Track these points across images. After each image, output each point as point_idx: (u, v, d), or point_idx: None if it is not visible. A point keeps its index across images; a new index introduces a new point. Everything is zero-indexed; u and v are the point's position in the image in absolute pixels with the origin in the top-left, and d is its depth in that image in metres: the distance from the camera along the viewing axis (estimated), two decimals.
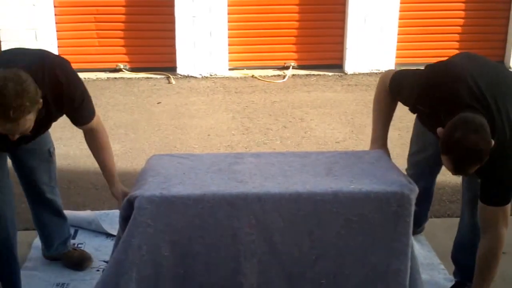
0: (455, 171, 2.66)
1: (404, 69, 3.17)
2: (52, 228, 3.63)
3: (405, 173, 3.26)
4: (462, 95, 2.71)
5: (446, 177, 4.82)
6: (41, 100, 2.65)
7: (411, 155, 3.71)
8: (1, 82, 2.49)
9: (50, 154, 3.44)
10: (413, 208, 2.69)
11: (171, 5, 7.87)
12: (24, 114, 2.54)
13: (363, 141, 5.59)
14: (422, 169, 3.59)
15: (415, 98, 2.91)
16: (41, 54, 2.97)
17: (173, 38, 7.96)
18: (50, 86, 2.77)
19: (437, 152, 2.91)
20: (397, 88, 3.07)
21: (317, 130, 6.11)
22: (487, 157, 2.60)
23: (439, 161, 2.89)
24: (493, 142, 2.61)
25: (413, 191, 2.69)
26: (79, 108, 2.99)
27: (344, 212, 2.67)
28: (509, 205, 2.88)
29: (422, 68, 3.05)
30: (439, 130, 2.69)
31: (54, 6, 7.92)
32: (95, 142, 3.20)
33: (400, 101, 3.13)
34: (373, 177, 2.78)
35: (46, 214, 3.56)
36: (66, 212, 4.04)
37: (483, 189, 2.85)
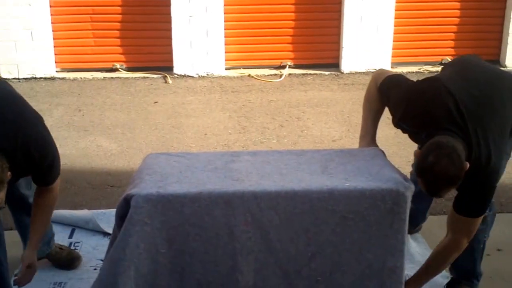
0: (429, 194, 2.73)
1: (396, 76, 3.16)
2: None
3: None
4: (440, 118, 2.76)
5: None
6: (9, 174, 2.62)
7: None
8: None
9: None
10: (408, 205, 2.71)
11: (168, 5, 7.87)
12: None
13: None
14: None
15: (399, 116, 2.93)
16: (16, 127, 2.76)
17: (169, 37, 7.97)
18: (21, 160, 2.74)
19: None
20: (386, 94, 3.10)
21: (314, 129, 6.13)
22: (460, 181, 2.66)
23: None
24: (467, 165, 2.66)
25: (408, 189, 2.70)
26: (44, 174, 2.96)
27: (339, 210, 2.69)
28: (478, 219, 2.94)
29: (414, 78, 3.09)
30: (416, 152, 2.78)
31: (50, 6, 7.92)
32: (42, 200, 3.05)
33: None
34: (369, 175, 2.79)
35: (28, 217, 3.20)
36: (63, 212, 4.06)
37: (457, 198, 2.91)
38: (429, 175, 2.64)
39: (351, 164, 2.91)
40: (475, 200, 2.88)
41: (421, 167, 2.66)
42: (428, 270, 3.10)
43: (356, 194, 2.68)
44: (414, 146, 3.16)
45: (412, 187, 2.73)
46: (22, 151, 2.72)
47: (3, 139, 2.66)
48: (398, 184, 2.70)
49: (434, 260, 3.07)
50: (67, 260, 3.63)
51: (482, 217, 2.96)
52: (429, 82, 2.98)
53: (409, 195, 2.71)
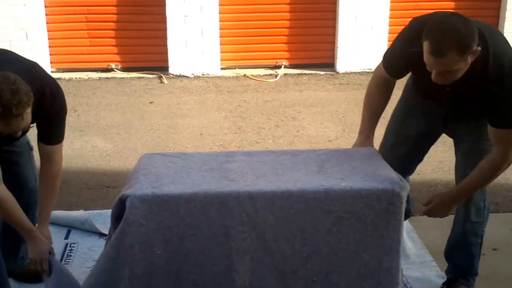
0: (435, 55, 2.59)
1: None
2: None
3: None
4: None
5: (437, 174, 4.87)
6: (33, 95, 2.71)
7: (385, 148, 3.44)
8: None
9: (30, 148, 3.36)
10: (403, 205, 2.71)
11: (163, 5, 7.87)
12: (25, 108, 2.66)
13: (355, 139, 5.58)
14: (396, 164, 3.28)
15: (405, 44, 2.91)
16: (30, 65, 2.99)
17: (165, 37, 7.96)
18: (34, 94, 2.77)
19: (415, 146, 3.19)
20: (389, 56, 3.09)
21: (309, 129, 6.13)
22: (469, 52, 2.59)
23: (415, 156, 3.16)
24: (479, 49, 2.62)
25: (404, 188, 2.71)
26: (53, 126, 3.04)
27: (335, 210, 2.69)
28: None
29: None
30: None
31: (45, 6, 7.91)
32: (48, 169, 3.08)
33: (395, 74, 3.10)
34: (364, 175, 2.79)
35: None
36: (59, 213, 4.04)
37: (491, 113, 2.85)
38: (436, 30, 2.58)
39: (347, 164, 2.91)
40: (509, 109, 2.81)
41: (430, 25, 2.62)
42: (473, 183, 3.03)
43: (352, 194, 2.68)
44: None
45: (407, 187, 2.74)
46: (35, 86, 2.80)
47: (18, 71, 2.74)
48: (393, 184, 2.70)
49: (482, 172, 2.98)
50: (36, 273, 3.27)
51: None
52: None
53: (404, 195, 2.71)
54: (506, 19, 8.18)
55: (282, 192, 2.69)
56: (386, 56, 3.13)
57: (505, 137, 2.86)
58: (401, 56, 2.96)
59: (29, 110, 2.70)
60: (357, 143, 3.26)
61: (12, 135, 2.82)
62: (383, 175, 2.78)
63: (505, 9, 8.18)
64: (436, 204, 3.12)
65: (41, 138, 3.06)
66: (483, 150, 3.04)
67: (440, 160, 4.99)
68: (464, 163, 3.18)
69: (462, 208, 3.25)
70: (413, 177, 3.66)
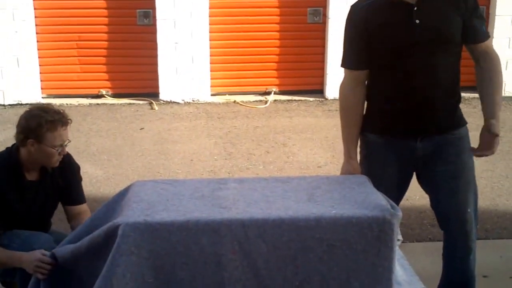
0: None
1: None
2: None
3: None
4: None
5: (426, 200, 4.88)
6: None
7: None
8: (39, 106, 3.24)
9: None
10: (395, 232, 2.72)
11: (153, 32, 7.92)
12: (67, 116, 3.18)
13: None
14: None
15: (351, 22, 3.11)
16: None
17: (155, 64, 8.01)
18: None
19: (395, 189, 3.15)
20: (345, 50, 3.22)
21: (299, 155, 6.16)
22: None
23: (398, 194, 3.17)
24: None
25: (395, 216, 2.71)
26: (80, 184, 3.42)
27: (326, 238, 2.69)
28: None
29: None
30: None
31: (36, 33, 7.95)
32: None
33: (359, 59, 3.14)
34: (355, 202, 2.80)
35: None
36: None
37: (472, 29, 3.00)
38: None
39: (338, 192, 2.92)
40: (483, 20, 3.06)
41: None
42: (494, 90, 3.09)
43: (342, 222, 2.69)
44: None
45: (399, 214, 2.75)
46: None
47: None
48: (384, 212, 2.71)
49: (490, 79, 3.07)
50: None
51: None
52: None
53: (396, 222, 2.72)
54: None
55: (274, 220, 2.69)
56: (344, 56, 3.22)
57: (489, 45, 3.08)
58: (355, 32, 3.09)
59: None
60: (343, 166, 3.27)
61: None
62: (374, 202, 2.79)
63: None
64: (484, 140, 3.12)
65: (70, 202, 3.37)
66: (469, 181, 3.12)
67: None
68: (453, 196, 3.15)
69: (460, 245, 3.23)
70: (402, 203, 3.67)
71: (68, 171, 3.34)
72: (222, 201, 2.84)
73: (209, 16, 7.95)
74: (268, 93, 8.24)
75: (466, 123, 3.18)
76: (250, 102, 8.02)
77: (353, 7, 3.12)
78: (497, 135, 3.08)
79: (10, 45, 7.83)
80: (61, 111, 3.17)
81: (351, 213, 2.71)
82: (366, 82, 3.20)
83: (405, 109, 3.06)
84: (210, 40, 8.02)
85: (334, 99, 8.15)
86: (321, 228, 2.69)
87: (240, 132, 6.88)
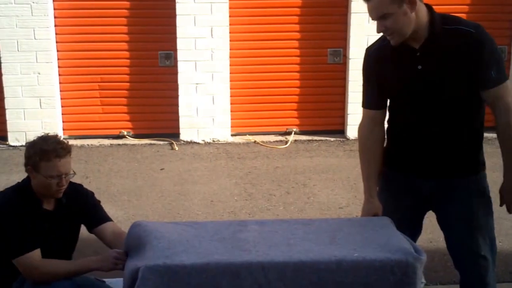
0: (365, 1, 2.89)
1: None
2: None
3: None
4: None
5: None
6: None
7: None
8: (43, 135, 3.22)
9: None
10: (418, 276, 2.67)
11: (175, 73, 8.00)
12: (69, 148, 3.17)
13: None
14: None
15: (366, 65, 3.17)
16: None
17: (176, 105, 8.06)
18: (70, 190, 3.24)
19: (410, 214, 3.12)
20: (364, 92, 3.25)
21: (320, 196, 6.11)
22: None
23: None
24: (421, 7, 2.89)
25: (418, 259, 2.66)
26: (97, 206, 3.39)
27: (348, 281, 2.65)
28: (507, 81, 2.97)
29: None
30: None
31: (59, 75, 8.06)
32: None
33: (376, 100, 3.19)
34: (377, 245, 2.76)
35: None
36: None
37: (479, 77, 2.92)
38: None
39: (360, 234, 2.88)
40: (491, 66, 2.91)
41: None
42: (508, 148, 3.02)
43: (364, 266, 2.65)
44: None
45: (423, 258, 2.70)
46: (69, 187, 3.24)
47: None
48: (407, 255, 2.67)
49: (505, 136, 2.99)
50: None
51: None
52: None
53: (419, 266, 2.67)
54: None
55: (295, 263, 2.66)
56: (363, 96, 3.26)
57: (500, 91, 2.94)
58: (369, 74, 3.16)
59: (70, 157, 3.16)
60: (363, 205, 3.26)
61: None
62: (397, 245, 2.74)
63: None
64: (506, 193, 3.06)
65: (94, 223, 3.36)
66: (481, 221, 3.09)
67: None
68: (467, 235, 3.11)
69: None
70: (426, 245, 3.63)
71: (81, 197, 3.33)
72: (243, 243, 2.82)
73: (230, 57, 8.02)
74: (289, 133, 8.25)
75: (483, 169, 3.13)
76: (271, 142, 8.02)
77: (367, 49, 3.19)
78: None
79: (33, 86, 7.93)
80: (62, 142, 3.15)
81: (373, 256, 2.67)
82: (385, 122, 3.23)
83: (408, 150, 3.11)
84: (230, 80, 8.07)
85: (355, 139, 8.11)
86: (343, 272, 2.65)
87: (261, 172, 6.87)
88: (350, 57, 8.05)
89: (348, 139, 8.17)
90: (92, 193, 3.43)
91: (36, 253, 3.08)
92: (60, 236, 3.26)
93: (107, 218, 3.40)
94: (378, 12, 2.89)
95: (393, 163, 3.21)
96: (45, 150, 3.07)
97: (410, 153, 3.12)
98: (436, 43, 2.93)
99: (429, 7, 2.99)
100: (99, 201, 3.44)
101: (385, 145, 3.25)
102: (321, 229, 2.98)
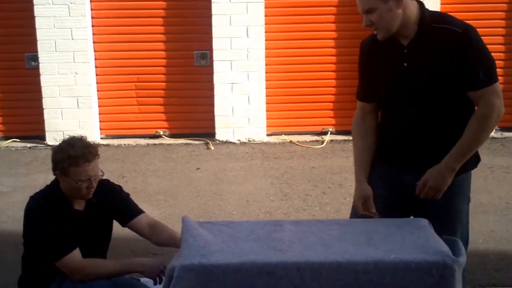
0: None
1: None
2: None
3: None
4: None
5: (489, 244, 4.72)
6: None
7: None
8: (70, 139, 3.16)
9: None
10: (456, 280, 2.62)
11: (210, 73, 8.01)
12: (96, 150, 3.11)
13: None
14: None
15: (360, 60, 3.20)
16: None
17: (212, 104, 8.08)
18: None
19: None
20: (358, 86, 3.29)
21: None
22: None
23: None
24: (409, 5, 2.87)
25: (456, 262, 2.62)
26: (127, 199, 3.39)
27: (384, 283, 2.61)
28: (497, 83, 2.90)
29: None
30: None
31: (96, 75, 8.14)
32: (165, 231, 3.38)
33: (367, 92, 3.21)
34: (414, 247, 2.72)
35: None
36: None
37: (467, 78, 2.87)
38: None
39: (397, 236, 2.84)
40: (479, 67, 2.86)
41: None
42: (464, 142, 2.93)
43: (401, 267, 2.61)
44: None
45: (461, 261, 2.65)
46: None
47: None
48: (445, 257, 2.62)
49: (471, 126, 2.91)
50: None
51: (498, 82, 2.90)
52: None
53: (457, 268, 2.62)
54: None
55: (330, 263, 2.64)
56: (357, 87, 3.30)
57: (487, 92, 2.87)
58: (360, 66, 3.21)
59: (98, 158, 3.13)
60: (355, 192, 3.27)
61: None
62: (434, 247, 2.70)
63: None
64: (428, 177, 3.00)
65: (127, 218, 3.35)
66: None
67: (491, 230, 4.85)
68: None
69: None
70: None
71: (110, 193, 3.33)
72: (278, 243, 2.81)
73: (266, 57, 8.00)
74: (325, 133, 8.20)
75: (468, 170, 3.10)
76: (306, 142, 7.99)
77: (361, 42, 3.23)
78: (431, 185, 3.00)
79: (70, 86, 8.02)
80: (90, 145, 3.12)
81: (410, 258, 2.64)
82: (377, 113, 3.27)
83: (396, 144, 3.14)
84: (266, 80, 8.06)
85: None
86: (379, 273, 2.62)
87: (296, 172, 6.84)
88: None
89: None
90: (120, 187, 3.42)
91: (76, 253, 3.11)
92: (93, 235, 3.29)
93: (139, 211, 3.39)
94: (364, 6, 2.92)
95: (382, 155, 3.22)
96: (74, 156, 3.06)
97: (397, 147, 3.13)
98: (423, 41, 2.92)
99: (420, 3, 2.97)
100: (128, 194, 3.44)
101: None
102: (357, 229, 2.95)
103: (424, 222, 3.01)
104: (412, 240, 2.79)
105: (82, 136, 3.18)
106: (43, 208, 3.12)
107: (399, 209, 3.18)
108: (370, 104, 3.23)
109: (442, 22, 2.91)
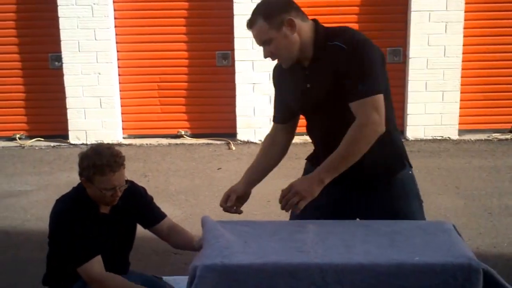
0: (248, 27, 2.94)
1: None
2: None
3: None
4: None
5: None
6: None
7: None
8: (96, 146, 3.16)
9: None
10: (481, 283, 2.58)
11: (232, 73, 8.02)
12: (122, 160, 3.09)
13: (427, 209, 5.42)
14: None
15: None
16: None
17: (233, 104, 8.08)
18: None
19: None
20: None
21: None
22: (277, 20, 2.84)
23: None
24: (294, 20, 2.84)
25: (480, 266, 2.58)
26: (151, 204, 3.40)
27: (408, 285, 2.58)
28: (377, 96, 2.82)
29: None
30: None
31: (119, 75, 8.17)
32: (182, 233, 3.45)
33: (281, 113, 3.27)
34: (439, 249, 2.69)
35: None
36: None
37: (348, 89, 2.83)
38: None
39: (421, 238, 2.81)
40: (359, 78, 2.80)
41: None
42: (336, 153, 2.90)
43: (425, 270, 2.58)
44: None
45: (486, 266, 2.61)
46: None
47: None
48: (471, 260, 2.58)
49: (348, 138, 2.87)
50: None
51: (381, 95, 2.84)
52: None
53: (481, 273, 2.58)
54: None
55: (353, 265, 2.61)
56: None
57: (364, 104, 2.81)
58: (274, 88, 3.23)
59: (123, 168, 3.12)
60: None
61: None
62: (459, 251, 2.67)
63: None
64: (296, 182, 3.02)
65: (151, 222, 3.40)
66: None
67: None
68: None
69: None
70: (489, 249, 3.53)
71: (135, 196, 3.33)
72: (300, 244, 2.79)
73: None
74: None
75: (396, 172, 3.11)
76: None
77: (274, 66, 3.24)
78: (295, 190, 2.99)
79: (93, 86, 8.07)
80: (116, 155, 3.10)
81: (434, 261, 2.60)
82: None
83: (318, 150, 3.23)
84: None
85: (415, 140, 8.00)
86: (403, 275, 2.59)
87: None
88: (410, 56, 7.92)
89: (407, 140, 8.03)
90: (145, 190, 3.43)
91: (98, 262, 3.11)
92: (118, 237, 3.31)
93: (162, 216, 3.43)
94: (260, 39, 2.93)
95: (314, 162, 3.24)
96: (99, 165, 3.04)
97: (321, 155, 3.12)
98: (320, 61, 2.90)
99: (315, 22, 2.96)
100: (152, 198, 3.45)
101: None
102: (381, 231, 2.92)
103: (449, 225, 2.97)
104: (436, 243, 2.76)
105: (110, 144, 3.22)
106: (71, 211, 3.13)
107: (342, 215, 3.19)
108: (283, 125, 3.30)
109: (334, 39, 2.87)
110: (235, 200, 3.26)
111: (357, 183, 3.09)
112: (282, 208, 2.97)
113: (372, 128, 2.83)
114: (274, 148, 3.38)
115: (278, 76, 3.19)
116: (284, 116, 3.26)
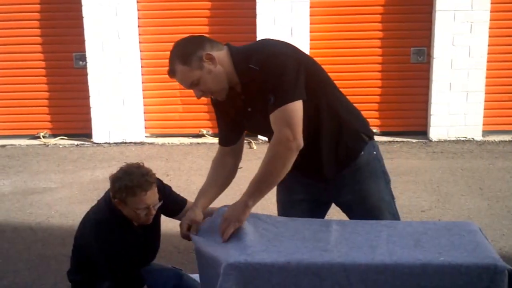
0: (171, 76, 2.99)
1: None
2: None
3: None
4: None
5: None
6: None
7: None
8: (127, 167, 3.15)
9: None
10: (506, 285, 2.56)
11: None
12: (153, 178, 3.11)
13: (450, 210, 5.43)
14: None
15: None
16: None
17: None
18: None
19: None
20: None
21: (401, 198, 5.97)
22: (194, 59, 2.86)
23: None
24: (210, 53, 2.85)
25: (505, 268, 2.56)
26: (171, 194, 3.44)
27: (432, 286, 2.57)
28: (290, 105, 2.77)
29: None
30: None
31: (142, 75, 8.21)
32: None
33: (223, 133, 3.24)
34: (464, 250, 2.67)
35: None
36: None
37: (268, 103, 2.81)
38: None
39: (446, 239, 2.79)
40: (270, 92, 2.77)
41: None
42: (256, 176, 2.99)
43: (450, 270, 2.56)
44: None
45: (511, 269, 2.58)
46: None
47: None
48: (496, 261, 2.56)
49: (265, 157, 2.90)
50: None
51: (298, 103, 2.78)
52: None
53: (507, 274, 2.55)
54: None
55: (377, 265, 2.61)
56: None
57: (276, 120, 2.79)
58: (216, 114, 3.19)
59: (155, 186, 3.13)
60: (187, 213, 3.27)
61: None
62: (485, 252, 2.64)
63: None
64: (227, 210, 3.04)
65: (176, 212, 3.48)
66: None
67: None
68: None
69: None
70: (506, 252, 3.49)
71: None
72: (324, 243, 2.79)
73: None
74: None
75: (357, 155, 3.18)
76: None
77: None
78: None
79: (117, 87, 8.12)
80: (146, 173, 3.11)
81: (459, 261, 2.58)
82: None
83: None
84: None
85: (439, 141, 7.95)
86: (427, 276, 2.57)
87: None
88: (435, 56, 7.86)
89: (430, 141, 7.98)
90: (160, 181, 3.37)
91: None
92: (149, 242, 3.37)
93: (184, 203, 3.50)
94: (187, 83, 2.90)
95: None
96: (130, 186, 3.05)
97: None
98: (249, 84, 2.87)
99: (228, 46, 2.93)
100: (170, 187, 3.47)
101: None
102: (405, 231, 2.91)
103: (474, 226, 2.95)
104: (461, 244, 2.74)
105: (139, 163, 3.17)
106: (107, 223, 3.15)
107: (318, 204, 3.30)
108: (229, 147, 3.26)
109: (249, 61, 2.83)
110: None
111: (324, 176, 3.16)
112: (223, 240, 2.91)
113: (286, 145, 2.81)
114: (223, 172, 3.37)
115: (216, 105, 3.13)
116: (228, 140, 3.24)
